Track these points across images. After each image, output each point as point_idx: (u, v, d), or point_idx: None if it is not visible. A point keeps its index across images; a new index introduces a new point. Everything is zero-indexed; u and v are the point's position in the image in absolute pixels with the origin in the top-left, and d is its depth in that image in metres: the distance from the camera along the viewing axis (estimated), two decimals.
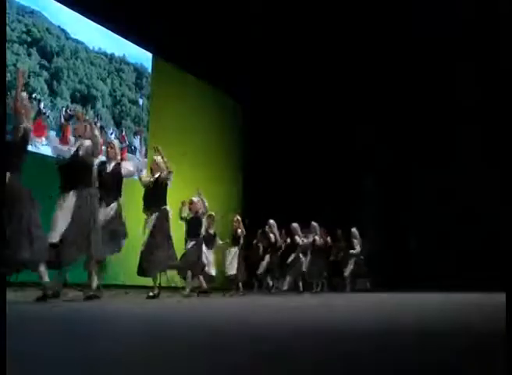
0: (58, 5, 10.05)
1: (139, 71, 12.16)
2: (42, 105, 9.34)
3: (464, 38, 12.82)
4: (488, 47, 11.35)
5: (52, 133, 9.54)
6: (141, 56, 12.22)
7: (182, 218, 8.35)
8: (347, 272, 12.94)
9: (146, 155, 11.73)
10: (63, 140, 9.58)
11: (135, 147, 11.70)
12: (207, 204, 8.55)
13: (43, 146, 9.25)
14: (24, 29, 9.33)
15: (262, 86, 14.45)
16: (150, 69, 12.41)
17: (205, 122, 13.96)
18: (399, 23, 12.74)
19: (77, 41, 10.48)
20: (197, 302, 6.63)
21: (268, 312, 4.72)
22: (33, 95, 9.28)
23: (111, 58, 11.37)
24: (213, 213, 9.14)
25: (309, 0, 12.52)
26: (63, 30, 10.19)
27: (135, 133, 11.83)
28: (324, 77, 14.06)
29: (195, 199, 8.43)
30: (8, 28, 8.48)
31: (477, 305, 6.02)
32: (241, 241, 10.11)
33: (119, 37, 11.52)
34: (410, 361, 1.77)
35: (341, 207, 13.93)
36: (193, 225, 8.33)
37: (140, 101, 12.12)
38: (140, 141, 11.84)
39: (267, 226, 11.34)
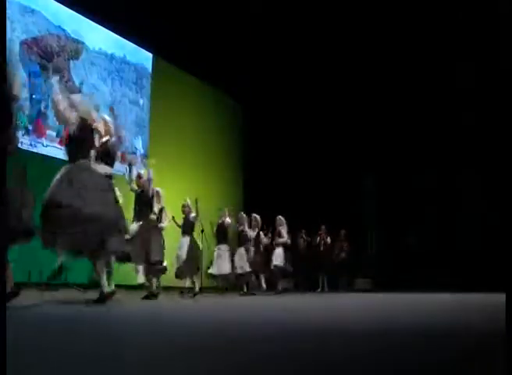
0: (58, 4, 10.04)
1: (139, 71, 12.16)
2: (42, 106, 9.34)
3: (464, 39, 12.82)
4: (488, 47, 11.35)
5: (53, 134, 9.53)
6: (141, 56, 12.22)
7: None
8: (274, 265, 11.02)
9: (146, 156, 11.75)
10: (63, 140, 9.56)
11: (136, 148, 11.70)
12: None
13: (43, 147, 9.25)
14: (24, 29, 9.33)
15: (262, 86, 14.45)
16: (150, 70, 12.41)
17: (205, 122, 13.96)
18: (398, 24, 12.74)
19: (77, 41, 10.48)
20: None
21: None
22: (33, 96, 9.28)
23: (111, 58, 11.37)
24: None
25: (308, 0, 12.52)
26: (63, 30, 10.18)
27: (136, 134, 11.83)
28: (324, 77, 14.06)
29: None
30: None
31: (477, 305, 6.01)
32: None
33: (119, 37, 11.52)
34: (410, 361, 1.77)
35: (341, 206, 13.93)
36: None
37: (141, 102, 12.12)
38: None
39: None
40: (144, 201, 6.79)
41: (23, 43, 9.16)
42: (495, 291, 5.95)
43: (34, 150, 8.97)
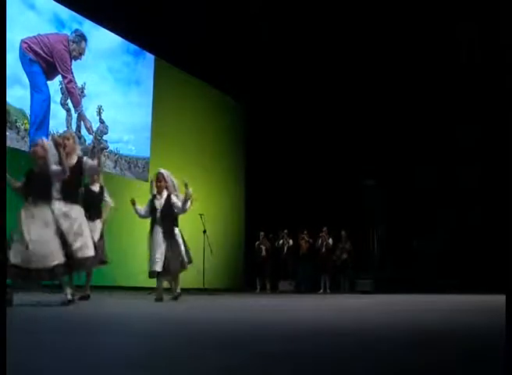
0: (60, 4, 10.05)
1: (141, 72, 12.16)
2: (45, 105, 9.36)
3: (463, 40, 12.82)
4: (489, 48, 11.34)
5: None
6: (141, 56, 12.21)
7: None
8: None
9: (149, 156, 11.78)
10: None
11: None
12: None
13: None
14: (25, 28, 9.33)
15: (264, 87, 14.45)
16: (152, 71, 12.41)
17: (207, 123, 13.97)
18: (398, 25, 12.74)
19: (80, 42, 10.46)
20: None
21: None
22: (35, 95, 9.29)
23: (113, 59, 11.36)
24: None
25: (307, 2, 12.53)
26: (65, 30, 10.18)
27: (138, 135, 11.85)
28: (324, 77, 14.05)
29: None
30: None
31: (477, 306, 6.00)
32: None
33: (119, 38, 11.51)
34: (410, 361, 1.75)
35: (343, 208, 13.91)
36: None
37: (143, 103, 12.10)
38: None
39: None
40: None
41: (23, 42, 9.15)
42: (495, 292, 5.94)
43: None
